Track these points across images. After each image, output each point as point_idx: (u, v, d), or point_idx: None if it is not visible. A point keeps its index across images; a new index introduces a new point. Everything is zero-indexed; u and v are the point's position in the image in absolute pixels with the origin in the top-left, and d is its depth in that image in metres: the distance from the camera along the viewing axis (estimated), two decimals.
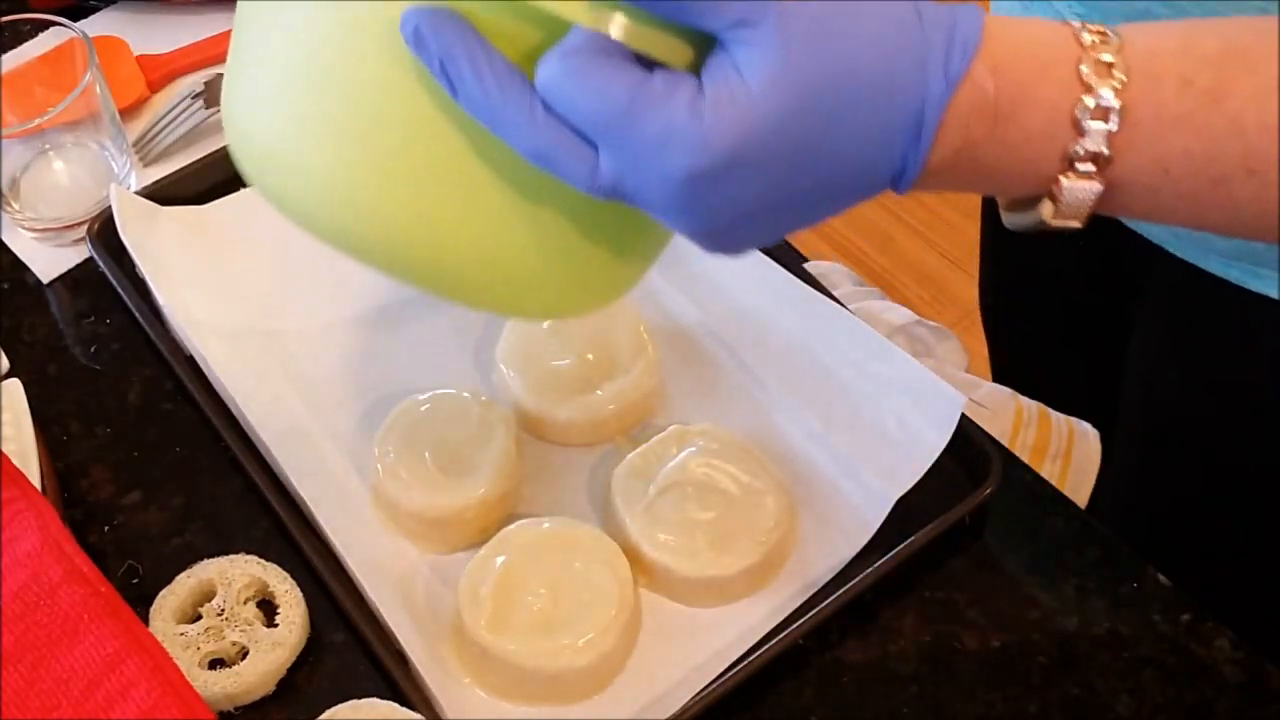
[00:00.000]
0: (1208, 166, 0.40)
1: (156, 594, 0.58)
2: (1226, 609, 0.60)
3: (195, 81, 0.78)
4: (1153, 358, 0.76)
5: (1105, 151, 0.39)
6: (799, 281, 0.67)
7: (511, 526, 0.60)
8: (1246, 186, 0.40)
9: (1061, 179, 0.40)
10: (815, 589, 0.59)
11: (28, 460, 0.59)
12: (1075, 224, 0.41)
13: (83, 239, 0.71)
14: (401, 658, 0.57)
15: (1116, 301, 0.80)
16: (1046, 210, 0.41)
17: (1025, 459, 0.65)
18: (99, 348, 0.69)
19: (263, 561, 0.60)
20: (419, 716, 0.54)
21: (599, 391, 0.64)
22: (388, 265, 0.44)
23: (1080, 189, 0.40)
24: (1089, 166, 0.40)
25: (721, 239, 0.41)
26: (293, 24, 0.41)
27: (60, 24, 0.72)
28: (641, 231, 0.45)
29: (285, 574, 0.59)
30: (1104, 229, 0.73)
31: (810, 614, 0.58)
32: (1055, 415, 0.80)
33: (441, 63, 0.38)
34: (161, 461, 0.65)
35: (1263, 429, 0.70)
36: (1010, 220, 0.44)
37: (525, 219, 0.42)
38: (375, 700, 0.55)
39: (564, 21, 0.37)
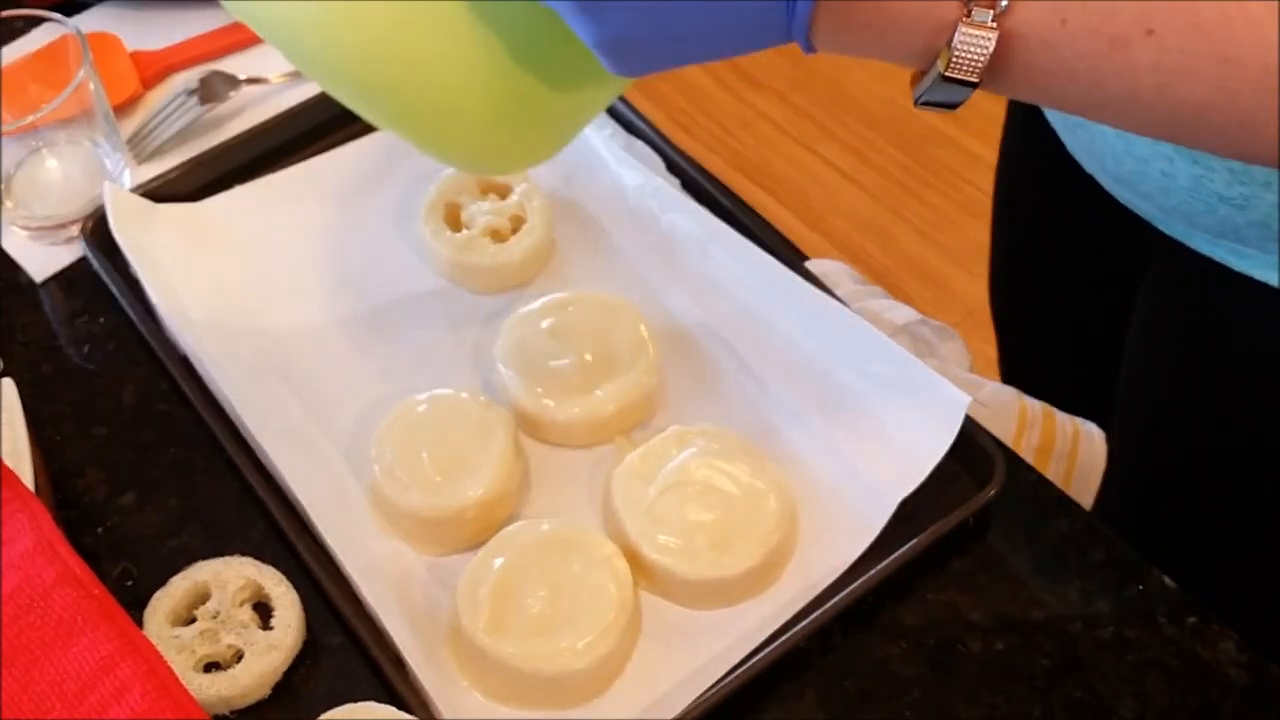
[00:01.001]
0: (1105, 22, 0.40)
1: (151, 596, 0.58)
2: (1232, 611, 0.60)
3: (189, 78, 0.78)
4: (1150, 354, 0.76)
5: None
6: (801, 281, 0.66)
7: (511, 527, 0.60)
8: (1144, 50, 0.40)
9: (959, 26, 0.40)
10: (817, 591, 0.59)
11: (21, 461, 0.59)
12: (972, 79, 0.42)
13: (76, 237, 0.71)
14: (399, 661, 0.56)
15: (1118, 298, 0.80)
16: (941, 61, 0.41)
17: (1029, 460, 0.65)
18: (93, 347, 0.69)
19: (258, 563, 0.59)
20: None
21: (599, 392, 0.64)
22: (319, 62, 0.46)
23: (975, 39, 0.41)
24: (985, 14, 0.40)
25: (599, 9, 0.41)
26: None
27: (54, 20, 0.72)
28: (581, 77, 0.47)
29: (281, 576, 0.59)
30: (1099, 219, 0.74)
31: (812, 616, 0.57)
32: (1060, 415, 0.79)
33: None
34: (156, 462, 0.64)
35: (1262, 425, 0.69)
36: (917, 91, 0.44)
37: (464, 32, 0.44)
38: (372, 704, 0.55)
39: None
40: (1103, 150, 0.66)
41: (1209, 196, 0.60)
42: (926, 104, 0.44)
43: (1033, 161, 0.82)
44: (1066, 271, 0.86)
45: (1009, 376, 0.97)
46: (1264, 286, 0.63)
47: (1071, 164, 0.71)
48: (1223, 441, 0.72)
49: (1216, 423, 0.72)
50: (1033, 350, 0.95)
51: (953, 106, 0.44)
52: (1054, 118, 0.71)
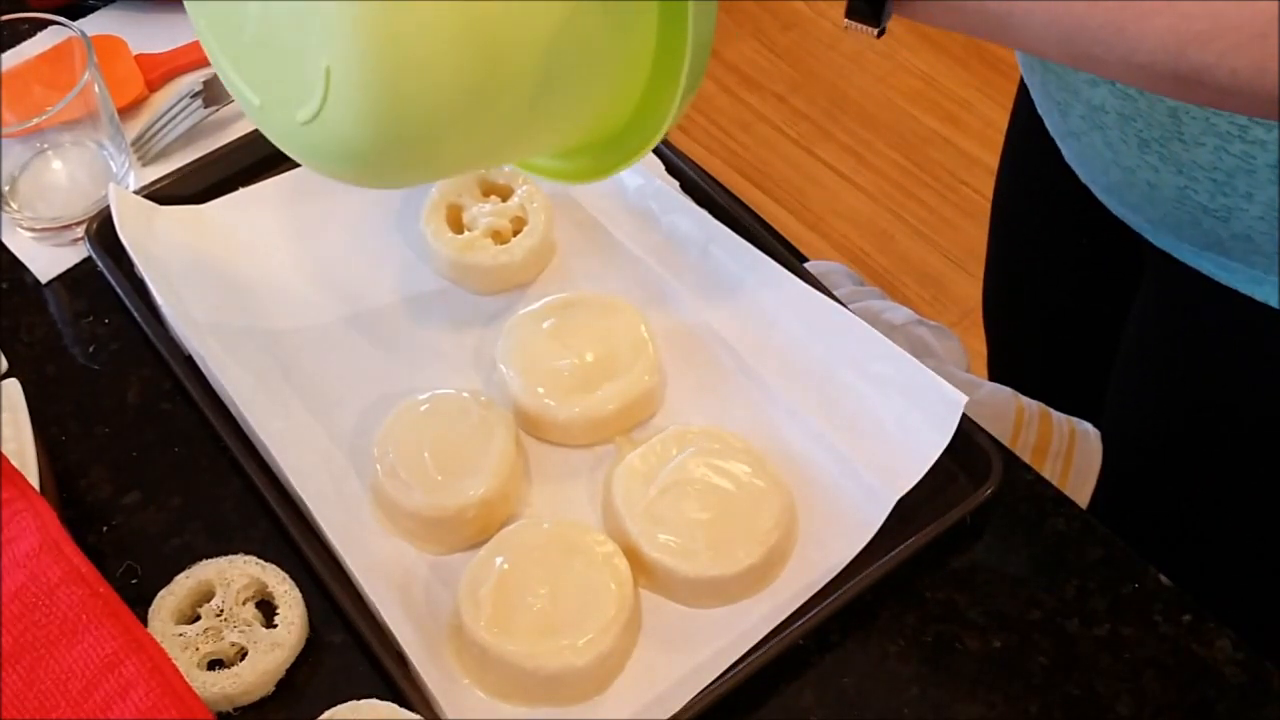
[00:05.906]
0: None
1: (155, 594, 0.58)
2: (1228, 610, 0.60)
3: (194, 81, 0.78)
4: (1144, 358, 0.76)
5: None
6: (800, 281, 0.67)
7: (511, 526, 0.60)
8: None
9: None
10: (816, 589, 0.59)
11: (26, 460, 0.59)
12: None
13: (81, 239, 0.71)
14: (401, 658, 0.57)
15: (1111, 305, 0.80)
16: None
17: (1026, 459, 0.65)
18: (97, 348, 0.69)
19: (261, 562, 0.59)
20: (418, 717, 0.54)
21: (599, 391, 0.64)
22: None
23: None
24: None
25: None
26: None
27: (59, 23, 0.72)
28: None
29: (284, 574, 0.59)
30: (1095, 229, 0.74)
31: (810, 614, 0.58)
32: (1056, 415, 0.80)
33: None
34: (160, 461, 0.65)
35: (1253, 429, 0.70)
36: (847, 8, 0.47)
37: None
38: (374, 701, 0.55)
39: None
40: (1092, 160, 0.66)
41: (1193, 208, 0.61)
42: (853, 20, 0.46)
43: (1032, 170, 0.82)
44: (1061, 279, 0.86)
45: (996, 378, 0.97)
46: (1250, 299, 0.63)
47: (1069, 174, 0.71)
48: (1215, 445, 0.72)
49: (1208, 426, 0.72)
50: (1022, 354, 0.95)
51: (875, 20, 0.45)
52: (1052, 127, 0.71)
